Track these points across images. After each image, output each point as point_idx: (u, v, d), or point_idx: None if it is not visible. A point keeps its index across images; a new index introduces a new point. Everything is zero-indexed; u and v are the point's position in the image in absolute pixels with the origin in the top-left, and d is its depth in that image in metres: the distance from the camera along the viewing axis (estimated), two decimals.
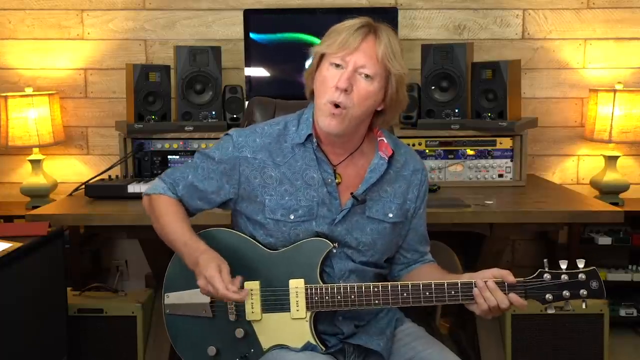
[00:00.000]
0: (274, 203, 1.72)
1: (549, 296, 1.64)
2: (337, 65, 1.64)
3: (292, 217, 1.72)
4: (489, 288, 1.62)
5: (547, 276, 1.64)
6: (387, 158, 1.75)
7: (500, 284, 1.63)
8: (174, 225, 1.74)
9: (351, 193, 1.73)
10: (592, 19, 3.44)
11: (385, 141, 1.76)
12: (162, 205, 1.79)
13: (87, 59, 3.47)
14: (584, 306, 1.67)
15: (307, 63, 1.75)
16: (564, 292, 1.64)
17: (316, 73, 1.69)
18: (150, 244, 2.69)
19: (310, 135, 1.73)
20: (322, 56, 1.68)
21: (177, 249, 1.73)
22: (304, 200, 1.72)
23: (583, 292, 1.64)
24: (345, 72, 1.63)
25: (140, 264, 3.23)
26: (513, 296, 1.62)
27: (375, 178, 1.74)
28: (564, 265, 1.65)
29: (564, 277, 1.64)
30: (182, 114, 3.09)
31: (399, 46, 1.67)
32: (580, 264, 1.65)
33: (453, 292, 1.65)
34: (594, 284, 1.64)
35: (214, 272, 1.58)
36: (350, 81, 1.63)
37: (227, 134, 1.80)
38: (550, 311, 1.66)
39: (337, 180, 1.75)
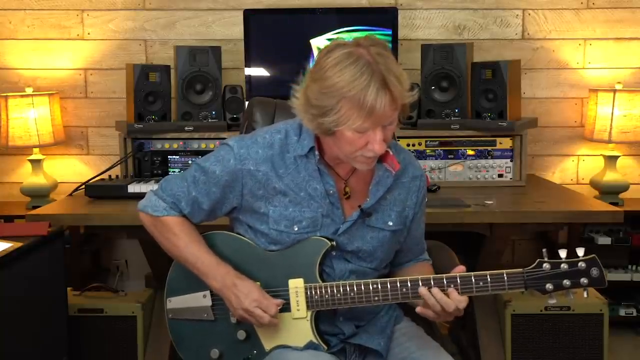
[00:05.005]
0: (278, 214, 1.71)
1: (549, 286, 1.61)
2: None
3: (295, 228, 1.71)
4: (433, 294, 1.61)
5: (546, 266, 1.61)
6: (393, 172, 1.73)
7: (452, 281, 1.62)
8: (192, 249, 1.75)
9: (359, 206, 1.72)
10: (592, 19, 3.44)
11: (391, 153, 1.73)
12: (171, 227, 1.77)
13: (87, 59, 3.47)
14: (585, 295, 1.63)
15: (298, 94, 1.64)
16: (565, 282, 1.61)
17: (335, 133, 1.60)
18: (150, 244, 2.66)
19: (312, 147, 1.71)
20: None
21: (197, 269, 1.74)
22: (308, 212, 1.71)
23: (584, 280, 1.60)
24: (376, 136, 1.57)
25: (140, 264, 3.23)
26: (451, 292, 1.60)
27: (383, 191, 1.74)
28: (563, 254, 1.62)
29: (564, 266, 1.61)
30: (182, 114, 3.09)
31: (398, 66, 1.58)
32: (580, 252, 1.62)
33: (452, 286, 1.63)
34: (595, 272, 1.60)
35: (259, 312, 1.67)
36: (383, 137, 1.60)
37: (226, 144, 1.75)
38: (551, 301, 1.63)
39: (347, 195, 1.74)
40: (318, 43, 3.17)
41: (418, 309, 1.64)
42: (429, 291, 1.61)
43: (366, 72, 1.52)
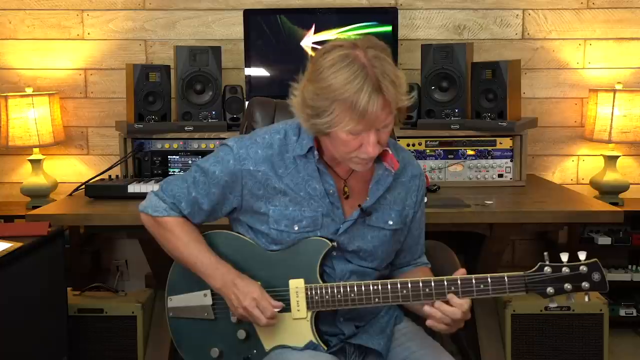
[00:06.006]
0: (278, 213, 1.71)
1: (550, 290, 1.61)
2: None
3: (296, 227, 1.71)
4: (437, 307, 1.61)
5: (547, 269, 1.61)
6: (393, 171, 1.73)
7: (453, 283, 1.62)
8: (192, 249, 1.75)
9: (359, 205, 1.72)
10: (592, 19, 3.44)
11: (390, 152, 1.72)
12: (171, 228, 1.76)
13: (87, 59, 3.47)
14: (586, 299, 1.64)
15: (295, 96, 1.63)
16: (566, 285, 1.61)
17: (330, 134, 1.60)
18: (150, 244, 2.67)
19: (311, 147, 1.71)
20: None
21: (197, 269, 1.74)
22: (308, 211, 1.71)
23: (585, 284, 1.60)
24: (370, 138, 1.57)
25: (140, 264, 3.23)
26: (451, 297, 1.61)
27: (382, 190, 1.74)
28: (565, 257, 1.61)
29: (565, 269, 1.61)
30: (182, 114, 3.09)
31: (395, 69, 1.57)
32: (582, 255, 1.62)
33: (453, 289, 1.63)
34: (596, 276, 1.60)
35: (257, 312, 1.66)
36: (378, 140, 1.59)
37: (225, 145, 1.75)
38: (552, 305, 1.63)
39: (347, 195, 1.74)
40: (306, 44, 3.18)
41: (429, 322, 1.64)
42: (433, 306, 1.62)
43: (360, 76, 1.52)
